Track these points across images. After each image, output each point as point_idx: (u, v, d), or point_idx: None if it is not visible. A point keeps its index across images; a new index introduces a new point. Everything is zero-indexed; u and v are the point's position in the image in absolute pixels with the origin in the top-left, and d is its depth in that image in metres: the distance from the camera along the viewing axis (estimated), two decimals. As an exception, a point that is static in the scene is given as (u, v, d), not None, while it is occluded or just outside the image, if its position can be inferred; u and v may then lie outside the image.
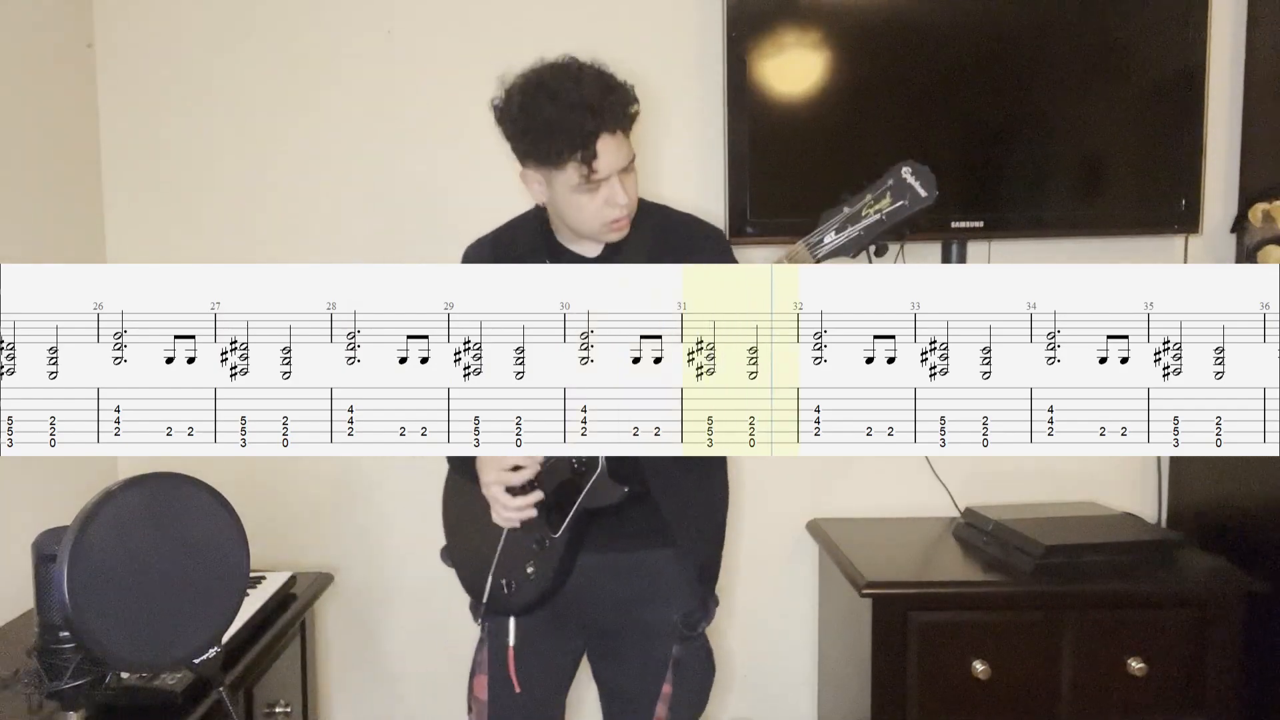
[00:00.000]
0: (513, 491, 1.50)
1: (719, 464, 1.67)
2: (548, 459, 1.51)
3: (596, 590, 1.60)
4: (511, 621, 1.60)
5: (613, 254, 1.56)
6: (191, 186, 2.27)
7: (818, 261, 1.39)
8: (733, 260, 1.61)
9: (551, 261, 1.57)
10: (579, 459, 1.50)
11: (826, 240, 1.39)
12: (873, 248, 1.41)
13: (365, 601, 2.35)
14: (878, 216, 1.37)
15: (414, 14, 2.25)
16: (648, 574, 1.61)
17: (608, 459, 1.49)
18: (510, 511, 1.50)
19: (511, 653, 1.59)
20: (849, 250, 1.39)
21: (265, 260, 2.24)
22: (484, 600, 1.60)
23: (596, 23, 2.25)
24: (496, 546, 1.58)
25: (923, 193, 1.37)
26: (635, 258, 1.52)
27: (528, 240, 1.59)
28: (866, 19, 2.10)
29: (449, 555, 1.71)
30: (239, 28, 2.24)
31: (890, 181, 1.38)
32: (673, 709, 1.60)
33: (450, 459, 1.67)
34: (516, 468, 1.50)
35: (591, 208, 1.47)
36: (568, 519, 1.51)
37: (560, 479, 1.51)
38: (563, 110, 1.40)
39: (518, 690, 1.61)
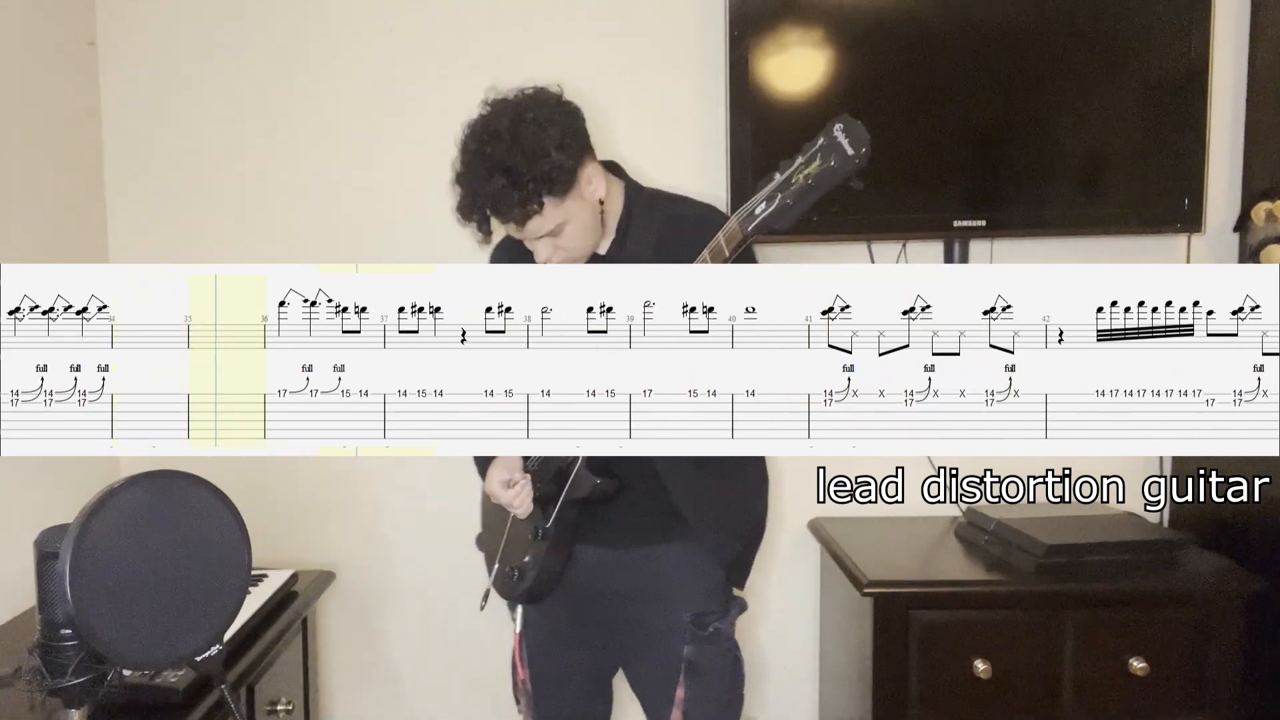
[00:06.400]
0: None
1: (747, 457, 1.62)
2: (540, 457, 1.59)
3: (602, 586, 1.64)
4: (519, 609, 1.69)
5: (619, 249, 1.58)
6: (194, 184, 2.26)
7: (746, 235, 1.27)
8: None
9: None
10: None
11: (757, 212, 1.25)
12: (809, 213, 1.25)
13: (367, 599, 2.35)
14: (806, 182, 1.20)
15: (416, 12, 2.25)
16: (649, 571, 1.61)
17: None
18: (504, 499, 1.58)
19: (517, 638, 1.70)
20: (780, 221, 1.24)
21: (267, 259, 2.24)
22: (490, 580, 1.70)
23: (598, 21, 2.24)
24: (503, 535, 1.68)
25: (849, 151, 1.17)
26: (641, 250, 1.55)
27: None
28: (868, 18, 2.10)
29: (480, 541, 1.79)
30: (241, 25, 2.24)
31: (821, 141, 1.20)
32: (688, 715, 1.57)
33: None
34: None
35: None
36: (555, 509, 1.58)
37: (554, 472, 1.59)
38: (464, 181, 1.46)
39: (522, 675, 1.68)
